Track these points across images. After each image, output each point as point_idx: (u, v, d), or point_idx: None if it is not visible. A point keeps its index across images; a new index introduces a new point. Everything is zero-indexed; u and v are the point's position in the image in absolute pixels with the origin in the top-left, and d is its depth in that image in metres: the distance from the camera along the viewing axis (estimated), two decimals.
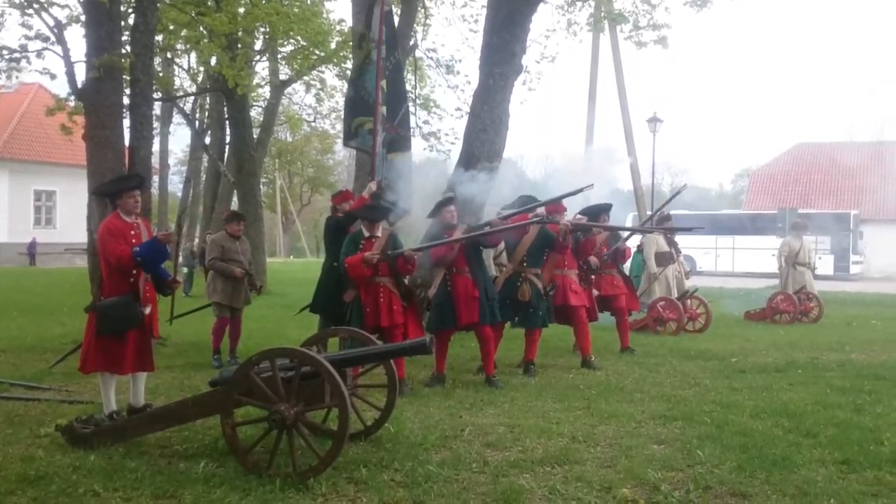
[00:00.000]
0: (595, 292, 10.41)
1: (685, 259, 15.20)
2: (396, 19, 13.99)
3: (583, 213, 10.99)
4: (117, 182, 7.33)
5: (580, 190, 8.49)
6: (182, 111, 26.97)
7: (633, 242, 12.82)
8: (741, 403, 7.19)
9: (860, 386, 8.04)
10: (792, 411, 6.82)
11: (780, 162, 46.72)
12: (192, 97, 27.61)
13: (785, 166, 45.71)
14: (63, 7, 11.83)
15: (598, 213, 10.71)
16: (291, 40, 19.80)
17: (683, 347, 10.84)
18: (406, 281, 8.25)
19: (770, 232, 29.57)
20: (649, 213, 28.48)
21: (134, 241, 6.47)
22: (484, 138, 12.00)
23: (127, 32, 11.51)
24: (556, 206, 9.66)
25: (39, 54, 11.89)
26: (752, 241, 32.73)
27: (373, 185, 9.28)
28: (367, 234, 8.04)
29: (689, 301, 13.14)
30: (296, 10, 18.60)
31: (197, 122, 28.90)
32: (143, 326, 6.53)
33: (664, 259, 13.61)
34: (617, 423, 6.45)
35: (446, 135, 22.15)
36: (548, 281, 9.19)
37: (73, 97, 11.94)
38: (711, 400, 7.39)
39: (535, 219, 8.71)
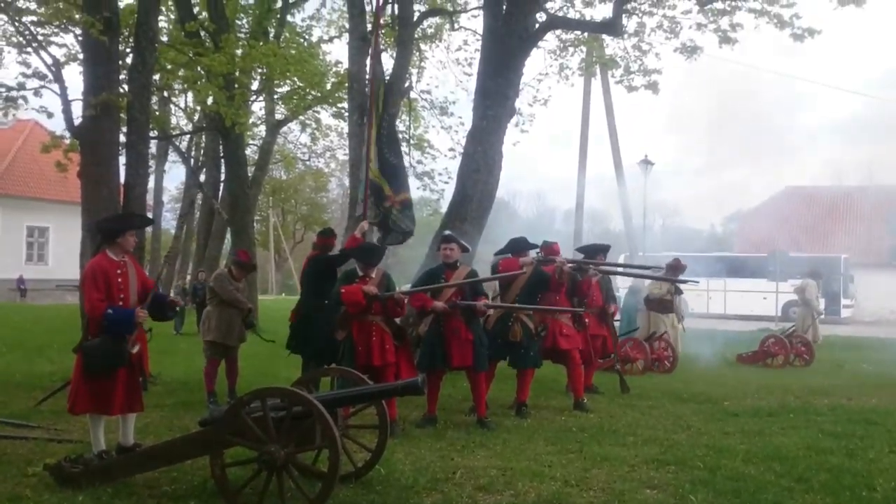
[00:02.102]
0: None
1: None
2: (392, 62, 14.19)
3: (580, 251, 11.07)
4: (123, 220, 7.29)
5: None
6: (178, 149, 27.11)
7: (623, 283, 12.90)
8: (734, 447, 7.17)
9: (852, 431, 8.02)
10: (784, 456, 6.80)
11: (771, 205, 47.02)
12: (188, 136, 27.76)
13: (775, 209, 45.99)
14: (61, 46, 12.00)
15: (595, 252, 10.80)
16: (288, 81, 20.03)
17: (676, 390, 10.83)
18: (398, 321, 8.25)
19: (761, 275, 29.67)
20: (641, 254, 28.70)
21: (120, 279, 6.42)
22: (477, 178, 12.11)
23: (125, 71, 11.63)
24: (549, 247, 9.73)
25: (37, 92, 11.97)
26: (744, 284, 32.83)
27: (364, 225, 9.32)
28: (360, 273, 8.05)
29: (656, 343, 13.26)
30: (292, 51, 18.86)
31: (192, 160, 29.02)
32: (131, 365, 6.48)
33: (664, 307, 13.59)
34: (610, 467, 6.42)
35: (440, 174, 22.39)
36: (539, 322, 9.20)
37: (69, 135, 12.01)
38: (704, 444, 7.37)
39: (532, 260, 8.78)
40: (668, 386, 11.27)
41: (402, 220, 9.96)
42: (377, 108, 9.93)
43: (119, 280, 6.43)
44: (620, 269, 13.44)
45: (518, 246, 9.23)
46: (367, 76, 10.21)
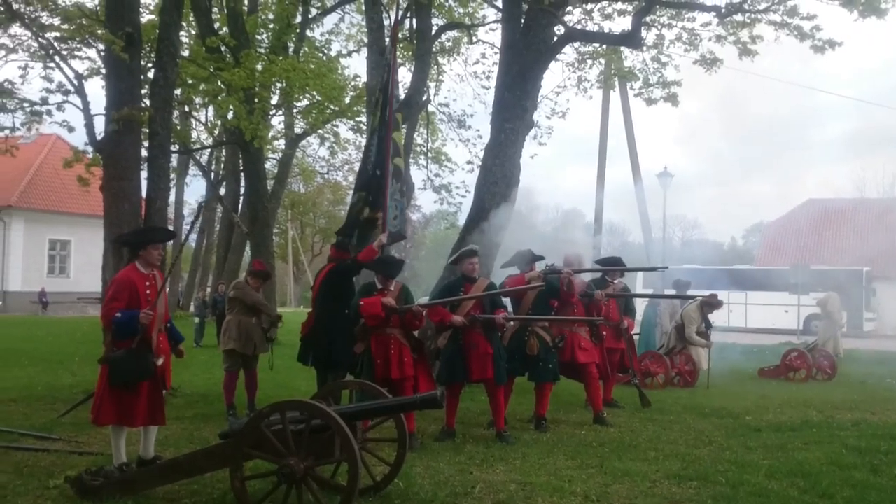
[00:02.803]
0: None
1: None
2: (410, 75, 14.23)
3: (598, 263, 11.01)
4: (146, 233, 7.38)
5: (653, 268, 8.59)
6: (198, 163, 27.33)
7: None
8: (756, 463, 7.10)
9: (876, 446, 7.91)
10: (808, 471, 6.72)
11: (792, 218, 46.68)
12: (209, 150, 27.98)
13: (797, 222, 45.65)
14: (84, 60, 12.10)
15: (614, 265, 10.76)
16: (307, 95, 20.15)
17: (698, 405, 10.73)
18: (416, 333, 8.24)
19: (783, 288, 29.41)
20: (659, 266, 28.52)
21: (149, 291, 6.54)
22: (495, 191, 12.10)
23: (147, 86, 11.74)
24: (571, 258, 9.70)
25: (60, 107, 12.10)
26: (765, 297, 32.54)
27: (383, 238, 9.26)
28: (379, 286, 8.06)
29: (676, 356, 13.17)
30: (311, 66, 18.98)
31: (212, 174, 29.24)
32: (155, 378, 6.53)
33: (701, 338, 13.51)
34: (631, 483, 6.37)
35: (457, 188, 22.41)
36: (557, 334, 9.16)
37: (91, 149, 12.13)
38: (726, 459, 7.29)
39: (539, 275, 8.79)
40: (689, 400, 11.17)
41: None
42: (374, 116, 9.80)
43: (147, 292, 6.53)
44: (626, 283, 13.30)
45: (524, 259, 9.18)
46: (382, 87, 10.01)
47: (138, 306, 6.42)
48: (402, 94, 10.03)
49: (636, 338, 12.53)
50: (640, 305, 15.53)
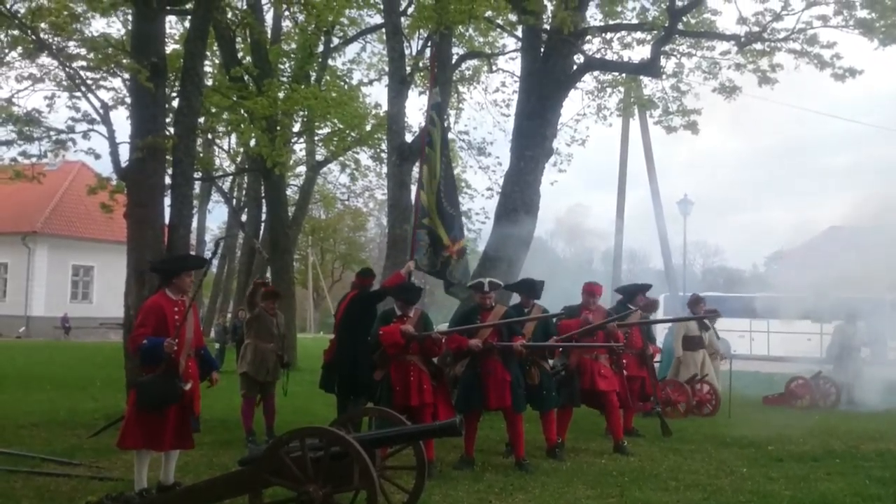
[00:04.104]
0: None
1: (720, 341, 14.99)
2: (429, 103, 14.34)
3: (619, 291, 10.98)
4: (179, 261, 7.46)
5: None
6: (220, 190, 27.58)
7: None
8: (779, 493, 7.02)
9: None
10: (831, 503, 6.63)
11: (814, 245, 46.27)
12: (231, 177, 28.27)
13: (818, 249, 45.23)
14: (109, 90, 12.29)
15: (634, 292, 10.74)
16: (328, 123, 20.36)
17: (719, 434, 10.62)
18: (436, 361, 8.24)
19: (805, 315, 29.09)
20: (681, 294, 28.35)
21: (177, 317, 6.65)
22: (515, 218, 12.14)
23: (171, 114, 11.91)
24: (596, 287, 9.71)
25: (86, 135, 12.28)
26: (787, 325, 32.18)
27: (410, 265, 9.28)
28: (399, 312, 8.09)
29: (698, 385, 13.06)
30: (333, 94, 19.20)
31: (234, 201, 29.50)
32: (183, 402, 6.60)
33: (693, 344, 13.40)
34: None
35: (477, 214, 22.49)
36: (574, 364, 9.14)
37: (115, 176, 12.29)
38: (748, 490, 7.21)
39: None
40: (711, 429, 11.06)
41: (458, 270, 9.86)
42: (435, 153, 9.83)
43: (176, 318, 6.63)
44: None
45: (533, 287, 9.14)
46: (423, 120, 10.08)
47: (167, 332, 6.53)
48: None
49: (657, 365, 12.44)
50: (661, 333, 15.45)
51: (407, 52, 16.05)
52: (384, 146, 19.07)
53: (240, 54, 18.54)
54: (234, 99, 16.36)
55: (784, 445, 9.87)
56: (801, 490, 7.22)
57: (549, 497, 6.85)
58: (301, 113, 19.06)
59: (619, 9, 15.55)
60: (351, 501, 5.97)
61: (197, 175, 16.64)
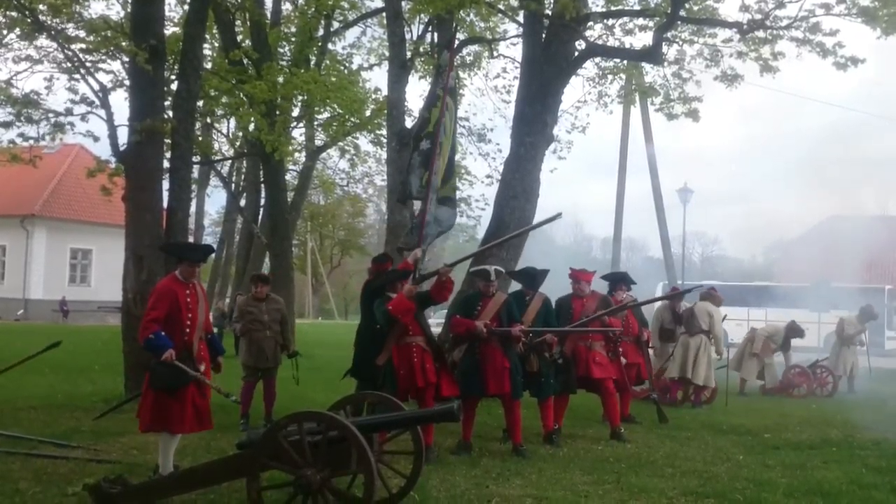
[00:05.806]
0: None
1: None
2: (428, 88, 14.22)
3: (605, 278, 11.01)
4: (185, 250, 7.40)
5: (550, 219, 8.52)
6: (219, 174, 27.48)
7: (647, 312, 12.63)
8: (775, 481, 7.03)
9: None
10: (827, 491, 6.65)
11: (813, 234, 46.25)
12: (230, 161, 28.16)
13: (818, 239, 45.21)
14: (108, 72, 12.24)
15: (616, 281, 10.78)
16: (328, 108, 20.26)
17: (716, 422, 10.66)
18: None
19: (803, 305, 29.15)
20: (680, 282, 28.38)
21: (189, 299, 6.72)
22: (514, 205, 12.13)
23: (170, 98, 11.86)
24: (582, 274, 9.70)
25: (84, 118, 12.23)
26: (785, 314, 32.24)
27: (418, 252, 9.15)
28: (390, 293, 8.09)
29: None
30: (333, 79, 19.10)
31: (233, 185, 29.40)
32: (198, 383, 6.66)
33: (666, 336, 13.22)
34: (647, 499, 6.34)
35: (476, 201, 22.42)
36: (570, 352, 9.17)
37: (114, 159, 12.26)
38: (744, 477, 7.24)
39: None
40: (708, 417, 11.10)
41: (442, 212, 9.55)
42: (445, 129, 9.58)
43: (188, 300, 6.70)
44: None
45: (534, 277, 9.12)
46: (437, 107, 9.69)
47: (179, 314, 6.63)
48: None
49: (651, 351, 12.43)
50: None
51: (408, 36, 15.95)
52: (384, 131, 19.00)
53: (239, 37, 18.41)
54: (234, 83, 16.28)
55: (781, 433, 9.91)
56: (797, 478, 7.25)
57: (545, 482, 6.87)
58: (300, 97, 18.96)
59: None
60: (348, 485, 5.98)
61: (196, 159, 16.59)
